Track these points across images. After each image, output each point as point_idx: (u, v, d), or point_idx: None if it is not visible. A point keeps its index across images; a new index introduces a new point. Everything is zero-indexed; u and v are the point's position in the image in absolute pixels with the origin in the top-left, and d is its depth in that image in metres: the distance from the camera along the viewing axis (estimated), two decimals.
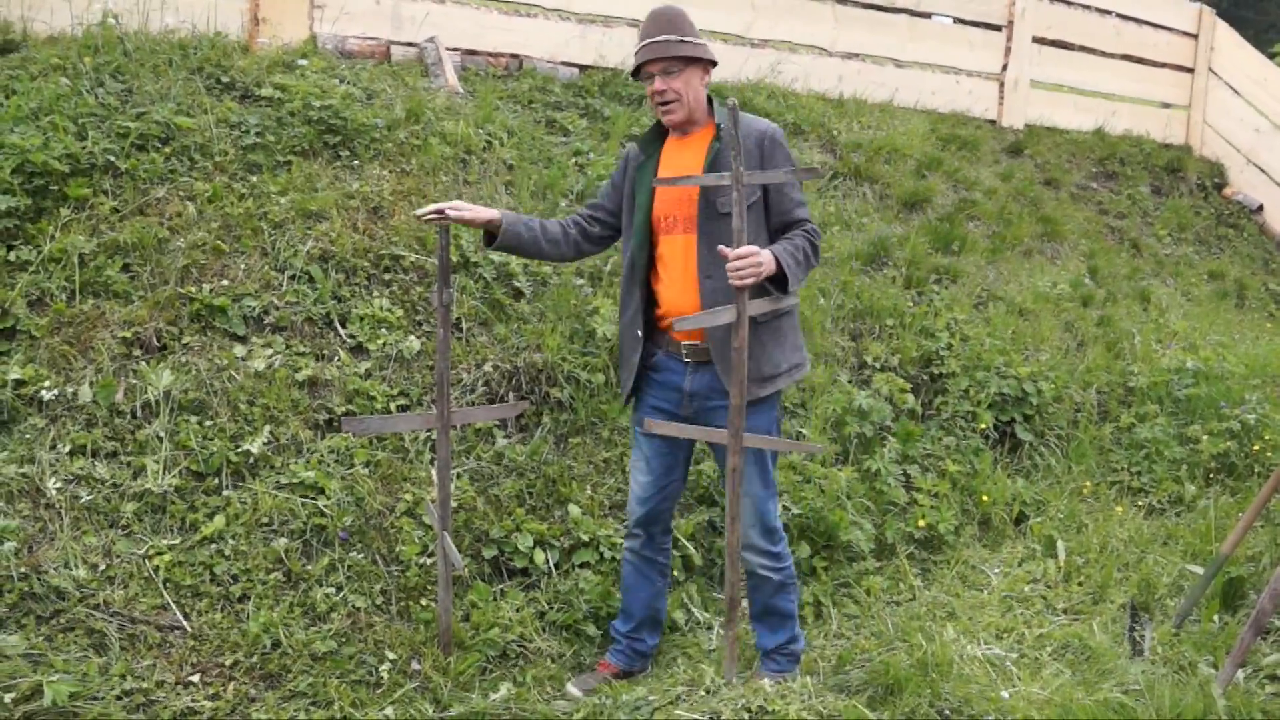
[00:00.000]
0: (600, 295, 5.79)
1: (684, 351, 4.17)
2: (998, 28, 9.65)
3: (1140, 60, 10.55)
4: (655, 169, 4.21)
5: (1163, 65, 10.67)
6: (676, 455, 4.35)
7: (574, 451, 5.22)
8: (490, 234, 4.23)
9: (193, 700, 3.87)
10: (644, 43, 4.09)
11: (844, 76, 8.89)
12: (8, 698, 3.63)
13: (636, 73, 4.16)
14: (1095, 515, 5.95)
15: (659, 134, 4.27)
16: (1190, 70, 10.71)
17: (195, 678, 3.96)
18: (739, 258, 3.76)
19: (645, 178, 4.20)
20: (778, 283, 3.96)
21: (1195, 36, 10.79)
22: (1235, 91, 10.49)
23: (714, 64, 4.18)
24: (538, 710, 4.03)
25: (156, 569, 4.21)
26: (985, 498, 5.88)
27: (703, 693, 3.90)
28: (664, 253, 4.19)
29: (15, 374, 4.50)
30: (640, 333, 4.25)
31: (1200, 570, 5.15)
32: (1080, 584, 5.34)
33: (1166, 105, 10.68)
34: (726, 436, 3.92)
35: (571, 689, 4.32)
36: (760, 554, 4.21)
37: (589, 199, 4.74)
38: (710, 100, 4.22)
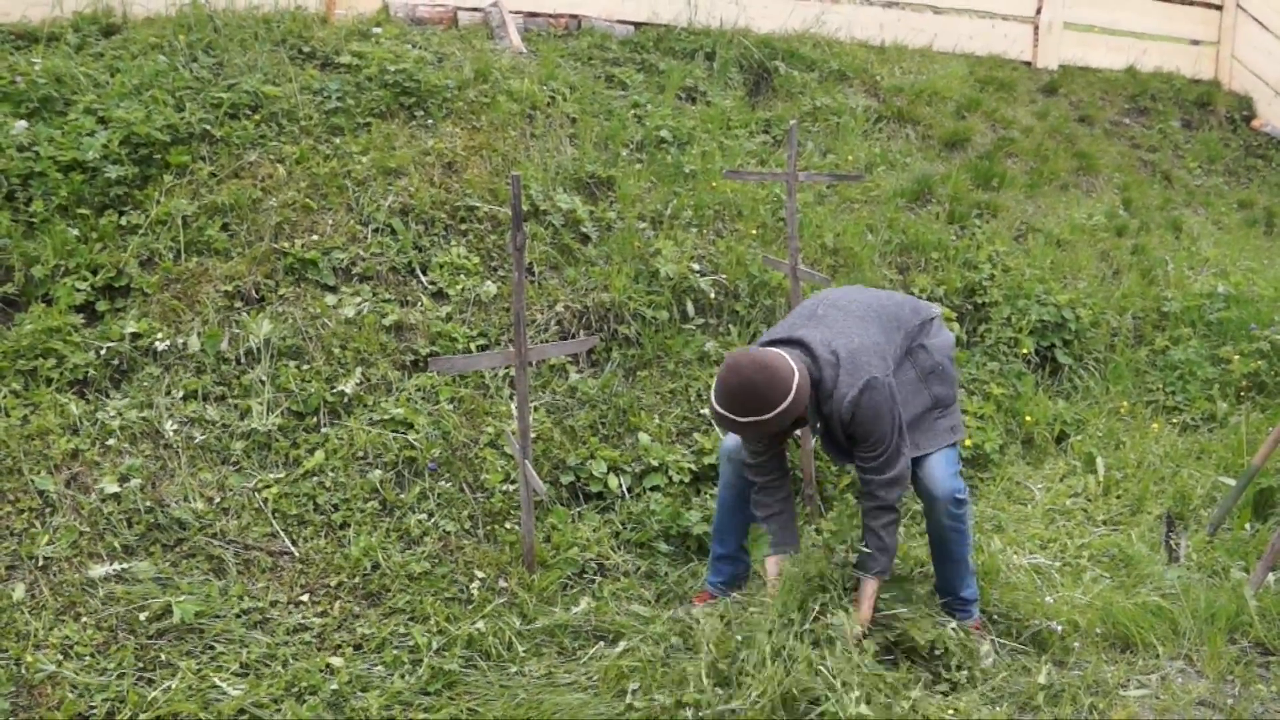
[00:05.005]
0: (662, 238, 5.79)
1: None
2: None
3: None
4: None
5: (1191, 3, 10.36)
6: None
7: (642, 383, 5.25)
8: None
9: (304, 617, 3.98)
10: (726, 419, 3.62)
11: (884, 24, 8.74)
12: (142, 616, 3.78)
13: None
14: (1132, 433, 5.90)
15: None
16: (1219, 7, 10.39)
17: (305, 597, 4.07)
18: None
19: None
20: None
21: None
22: (1263, 26, 10.16)
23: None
24: (615, 621, 4.09)
25: (265, 501, 4.32)
26: (1028, 418, 5.85)
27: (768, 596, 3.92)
28: None
29: (131, 328, 4.62)
30: None
31: (1232, 482, 5.11)
32: (1119, 497, 5.33)
33: (1195, 42, 10.37)
34: None
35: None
36: None
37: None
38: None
